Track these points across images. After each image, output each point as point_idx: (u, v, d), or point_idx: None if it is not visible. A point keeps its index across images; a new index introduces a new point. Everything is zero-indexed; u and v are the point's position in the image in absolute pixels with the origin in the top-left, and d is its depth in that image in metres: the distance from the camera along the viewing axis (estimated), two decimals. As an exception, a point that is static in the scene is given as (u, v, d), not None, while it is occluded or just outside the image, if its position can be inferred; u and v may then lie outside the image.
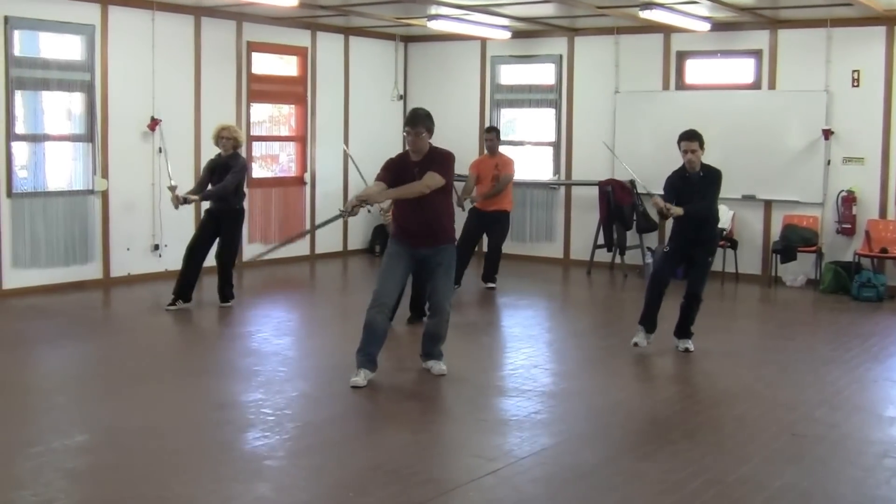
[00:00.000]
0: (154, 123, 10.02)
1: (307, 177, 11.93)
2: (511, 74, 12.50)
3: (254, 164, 11.46)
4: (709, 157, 7.36)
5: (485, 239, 10.50)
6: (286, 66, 11.91)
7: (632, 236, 11.26)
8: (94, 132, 9.68)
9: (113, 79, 9.78)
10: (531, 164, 12.29)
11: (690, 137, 7.15)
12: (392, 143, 11.48)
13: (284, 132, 12.10)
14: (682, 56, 11.25)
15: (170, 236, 10.12)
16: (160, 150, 9.96)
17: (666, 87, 11.30)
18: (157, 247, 10.26)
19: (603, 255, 11.42)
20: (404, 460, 4.99)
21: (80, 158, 9.69)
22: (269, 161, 12.07)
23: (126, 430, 5.40)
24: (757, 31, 10.65)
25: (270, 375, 6.65)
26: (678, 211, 7.02)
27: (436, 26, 10.96)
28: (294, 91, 11.87)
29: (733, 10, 9.80)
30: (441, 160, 6.29)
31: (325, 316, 9.24)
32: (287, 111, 12.04)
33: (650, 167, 9.66)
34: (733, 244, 10.72)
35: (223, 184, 8.51)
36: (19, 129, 9.24)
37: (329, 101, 12.12)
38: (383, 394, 6.26)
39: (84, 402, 6.11)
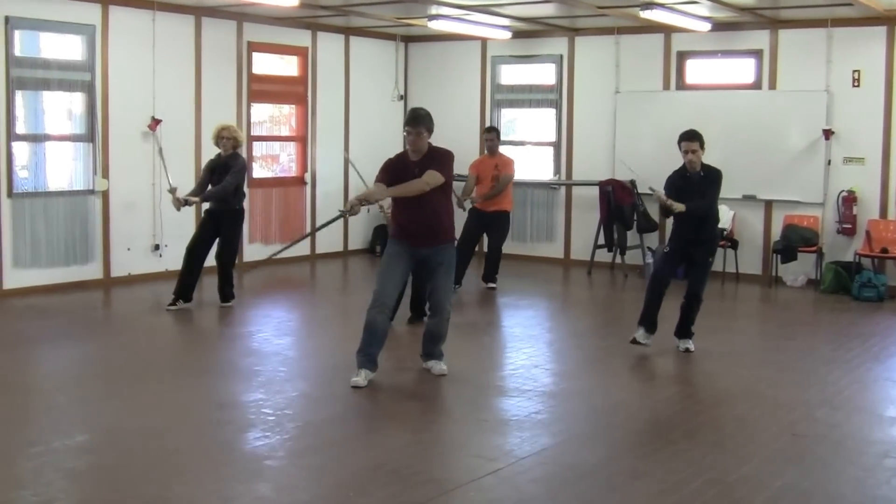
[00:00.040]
0: (155, 123, 10.03)
1: (308, 177, 11.93)
2: (511, 74, 12.50)
3: (254, 164, 11.47)
4: (709, 158, 7.37)
5: (485, 239, 10.52)
6: (287, 67, 11.91)
7: (632, 236, 11.26)
8: (94, 132, 9.68)
9: (113, 79, 9.78)
10: (532, 164, 12.29)
11: (691, 138, 7.15)
12: (392, 143, 11.47)
13: (285, 132, 12.10)
14: (682, 56, 11.25)
15: (170, 236, 10.12)
16: (160, 151, 9.97)
17: (666, 87, 11.30)
18: (157, 247, 10.26)
19: (603, 255, 11.42)
20: (405, 460, 4.99)
21: (80, 158, 9.69)
22: (270, 161, 12.08)
23: (127, 430, 5.40)
24: (757, 31, 10.65)
25: (271, 375, 6.65)
26: (680, 207, 7.02)
27: (436, 26, 10.96)
28: (294, 91, 11.87)
29: (734, 10, 9.79)
30: (441, 159, 6.30)
31: (326, 316, 9.24)
32: (287, 111, 12.04)
33: (651, 167, 9.66)
34: (734, 244, 10.72)
35: (223, 184, 8.51)
36: (20, 129, 9.24)
37: (329, 101, 12.12)
38: (384, 394, 6.26)
39: (85, 402, 6.11)
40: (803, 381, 6.69)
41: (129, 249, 10.07)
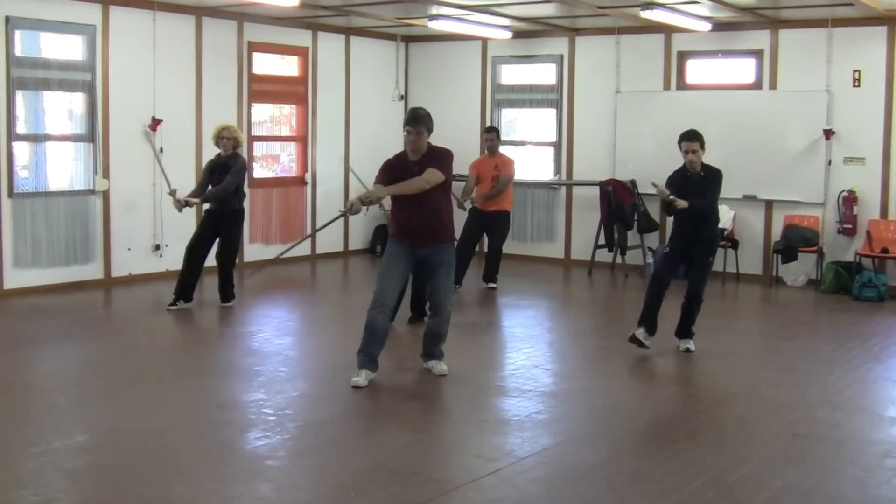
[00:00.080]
0: (155, 123, 10.03)
1: (308, 177, 11.93)
2: (512, 74, 12.50)
3: (255, 164, 11.47)
4: (710, 158, 7.37)
5: (485, 239, 10.52)
6: (287, 67, 11.91)
7: (633, 236, 11.25)
8: (95, 132, 9.68)
9: (114, 79, 9.78)
10: (532, 164, 12.29)
11: (691, 138, 7.16)
12: (393, 142, 11.43)
13: (285, 132, 12.10)
14: (682, 56, 11.24)
15: (171, 236, 10.12)
16: (160, 151, 9.98)
17: (667, 87, 11.30)
18: (157, 247, 10.26)
19: (604, 256, 11.42)
20: (405, 460, 4.99)
21: (81, 158, 9.70)
22: (270, 161, 12.08)
23: (127, 430, 5.41)
24: (758, 31, 10.65)
25: (271, 375, 6.65)
26: (682, 203, 7.01)
27: (437, 26, 10.96)
28: (295, 91, 11.87)
29: (734, 10, 9.79)
30: (440, 157, 6.31)
31: (326, 316, 9.24)
32: (288, 111, 12.04)
33: (651, 167, 9.67)
34: (734, 244, 10.72)
35: (223, 185, 8.51)
36: (20, 129, 9.24)
37: (330, 101, 12.12)
38: (384, 394, 6.26)
39: (85, 402, 6.11)
40: (804, 381, 6.69)
41: (129, 249, 10.07)
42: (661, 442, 5.36)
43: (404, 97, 12.94)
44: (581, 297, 10.57)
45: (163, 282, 9.70)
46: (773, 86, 10.69)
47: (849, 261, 10.12)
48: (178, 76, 10.34)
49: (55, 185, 9.58)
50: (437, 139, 6.45)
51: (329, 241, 12.09)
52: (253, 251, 11.18)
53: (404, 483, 4.62)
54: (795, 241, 10.31)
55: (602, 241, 11.37)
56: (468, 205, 9.83)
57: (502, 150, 10.28)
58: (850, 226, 10.22)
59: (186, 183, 9.37)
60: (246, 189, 9.16)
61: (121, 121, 9.84)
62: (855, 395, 6.40)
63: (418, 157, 6.30)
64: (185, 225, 9.69)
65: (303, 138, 11.95)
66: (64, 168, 9.70)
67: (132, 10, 9.89)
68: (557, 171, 12.14)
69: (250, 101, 11.20)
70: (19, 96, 9.19)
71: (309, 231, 11.68)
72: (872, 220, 10.17)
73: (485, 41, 12.33)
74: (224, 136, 8.63)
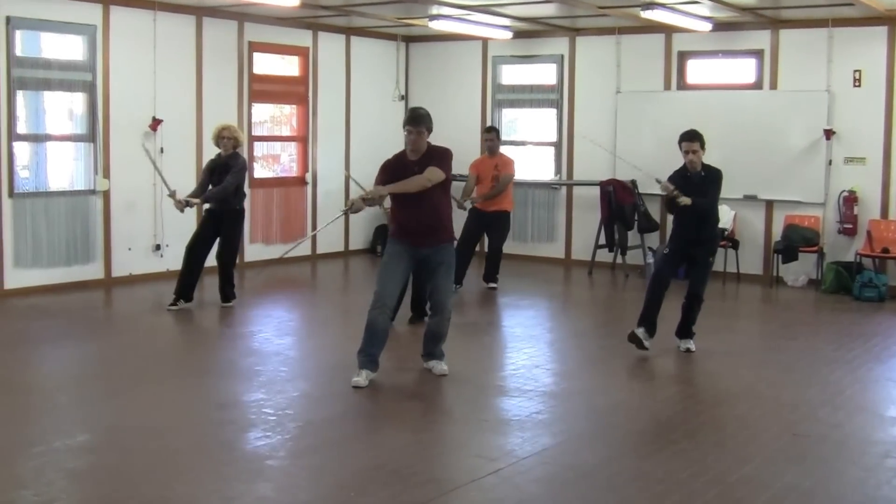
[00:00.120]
0: (156, 123, 10.03)
1: (308, 177, 11.94)
2: (512, 74, 12.50)
3: (255, 164, 11.47)
4: (710, 158, 7.37)
5: (485, 239, 10.51)
6: (287, 67, 11.91)
7: (633, 236, 11.25)
8: (95, 132, 9.69)
9: (114, 79, 9.78)
10: (532, 164, 12.29)
11: (691, 138, 7.16)
12: (393, 142, 11.37)
13: (286, 132, 12.10)
14: (683, 56, 11.24)
15: (171, 236, 10.12)
16: (161, 152, 9.98)
17: (667, 87, 11.30)
18: (158, 247, 10.26)
19: (604, 256, 11.42)
20: (405, 460, 4.99)
21: (81, 158, 9.70)
22: (271, 161, 12.09)
23: (127, 430, 5.41)
24: (758, 31, 10.65)
25: (272, 375, 6.65)
26: (686, 200, 7.01)
27: (437, 26, 10.96)
28: (295, 91, 11.87)
29: (734, 10, 9.79)
30: (440, 156, 6.32)
31: (327, 316, 9.24)
32: (288, 111, 12.04)
33: (652, 167, 9.61)
34: (735, 244, 10.72)
35: (223, 185, 8.51)
36: (21, 129, 9.24)
37: (330, 101, 12.12)
38: (385, 394, 6.26)
39: (86, 402, 6.11)
40: (804, 381, 6.69)
41: (130, 249, 10.07)
42: (662, 442, 5.36)
43: (405, 97, 12.93)
44: (581, 297, 10.57)
45: (163, 282, 9.70)
46: (773, 86, 10.69)
47: (849, 261, 10.12)
48: (178, 76, 10.34)
49: (56, 185, 9.58)
50: (437, 139, 6.45)
51: (329, 241, 12.09)
52: (253, 251, 11.18)
53: (405, 483, 4.62)
54: (796, 241, 10.31)
55: (602, 241, 11.37)
56: (468, 205, 9.82)
57: (502, 150, 10.27)
58: (850, 226, 10.22)
59: (187, 183, 9.37)
60: (246, 189, 9.15)
61: (121, 121, 9.84)
62: (856, 395, 6.40)
63: (418, 157, 6.30)
64: (186, 225, 9.68)
65: (303, 138, 11.95)
66: (64, 168, 9.71)
67: (133, 10, 9.89)
68: (558, 171, 12.14)
69: (251, 101, 11.21)
70: (20, 96, 9.20)
71: (309, 231, 11.68)
72: (873, 220, 10.17)
73: (485, 41, 12.33)
74: (224, 136, 8.64)
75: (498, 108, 12.51)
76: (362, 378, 6.24)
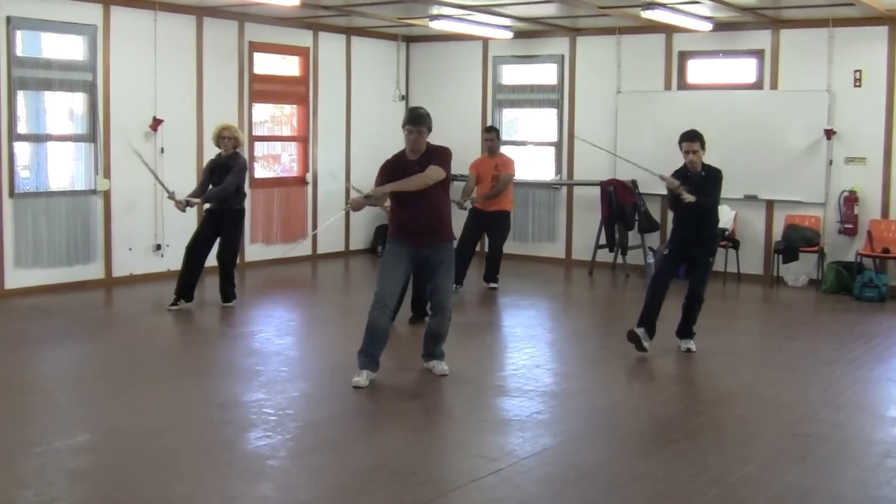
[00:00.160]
0: (156, 123, 10.03)
1: (309, 177, 11.94)
2: (513, 74, 12.50)
3: (256, 164, 11.47)
4: (710, 158, 7.37)
5: (486, 239, 10.51)
6: (288, 67, 11.91)
7: (633, 236, 11.25)
8: (96, 132, 9.69)
9: (115, 79, 9.78)
10: (533, 164, 12.29)
11: (692, 138, 7.16)
12: (393, 143, 11.33)
13: (286, 132, 12.10)
14: (683, 56, 11.24)
15: (172, 236, 10.12)
16: (161, 151, 9.99)
17: (668, 87, 11.30)
18: (158, 247, 10.26)
19: (605, 256, 11.41)
20: (406, 460, 4.99)
21: (82, 158, 9.70)
22: (271, 161, 12.09)
23: (128, 430, 5.41)
24: (759, 31, 10.64)
25: (272, 375, 6.65)
26: (690, 197, 7.00)
27: (437, 26, 10.96)
28: (296, 91, 11.87)
29: (735, 10, 9.79)
30: (440, 155, 6.32)
31: (327, 316, 9.24)
32: (289, 111, 12.04)
33: (652, 167, 9.61)
34: (735, 244, 10.71)
35: (223, 185, 8.51)
36: (21, 129, 9.24)
37: (331, 101, 12.12)
38: (385, 394, 6.26)
39: (86, 402, 6.11)
40: (805, 381, 6.69)
41: (130, 249, 10.07)
42: (662, 442, 5.36)
43: (405, 97, 12.93)
44: (582, 297, 10.57)
45: (164, 282, 9.70)
46: (773, 86, 10.69)
47: (850, 261, 10.12)
48: (178, 76, 10.34)
49: (56, 185, 9.59)
50: (437, 139, 6.46)
51: (329, 241, 12.09)
52: (254, 251, 11.18)
53: (405, 483, 4.62)
54: (796, 241, 10.31)
55: (603, 241, 11.37)
56: (468, 205, 9.82)
57: (503, 150, 10.28)
58: (851, 226, 10.22)
59: (187, 183, 9.37)
60: (247, 189, 9.15)
61: (122, 121, 9.84)
62: (856, 395, 6.40)
63: (418, 157, 6.31)
64: (186, 225, 9.69)
65: (303, 138, 11.95)
66: (65, 168, 9.71)
67: (133, 11, 9.90)
68: (558, 171, 12.14)
69: (251, 101, 11.21)
70: (20, 96, 9.20)
71: (310, 230, 11.68)
72: (873, 219, 10.17)
73: (486, 41, 12.33)
74: (225, 136, 8.64)
75: (498, 108, 12.51)
76: (363, 378, 6.25)
